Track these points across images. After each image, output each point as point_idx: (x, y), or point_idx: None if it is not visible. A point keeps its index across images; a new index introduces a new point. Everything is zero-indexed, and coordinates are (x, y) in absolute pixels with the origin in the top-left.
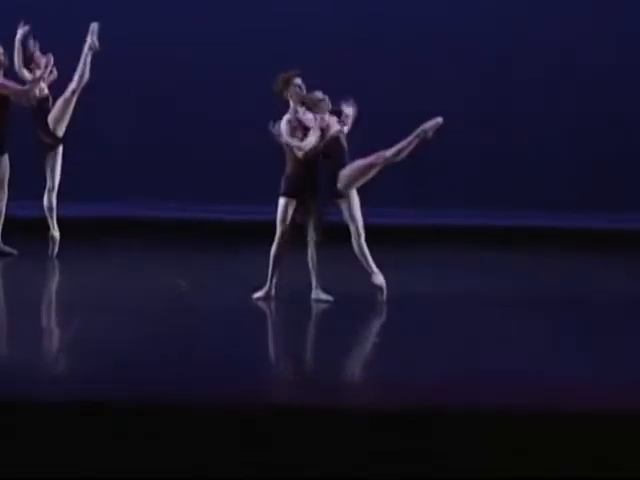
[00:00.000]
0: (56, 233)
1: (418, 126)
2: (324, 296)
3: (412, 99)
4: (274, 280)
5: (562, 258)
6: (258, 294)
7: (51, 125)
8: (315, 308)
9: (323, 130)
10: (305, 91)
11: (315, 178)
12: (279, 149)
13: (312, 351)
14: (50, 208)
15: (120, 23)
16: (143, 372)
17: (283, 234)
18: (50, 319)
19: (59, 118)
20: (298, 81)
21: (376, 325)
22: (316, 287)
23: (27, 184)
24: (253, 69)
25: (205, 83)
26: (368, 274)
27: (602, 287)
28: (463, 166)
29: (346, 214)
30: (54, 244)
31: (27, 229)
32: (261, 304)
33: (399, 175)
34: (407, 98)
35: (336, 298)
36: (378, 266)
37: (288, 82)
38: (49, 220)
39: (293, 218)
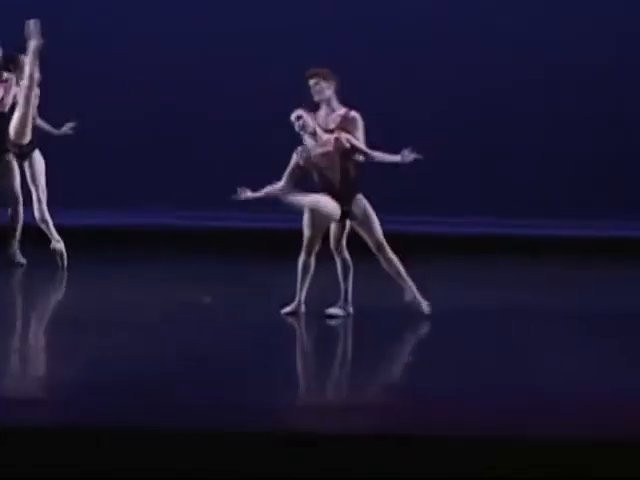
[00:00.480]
0: (59, 244)
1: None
2: (332, 311)
3: (412, 99)
4: (303, 293)
5: (564, 266)
6: (287, 309)
7: (12, 134)
8: (342, 324)
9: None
10: (318, 92)
11: (333, 182)
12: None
13: (329, 373)
14: (43, 220)
15: (121, 23)
16: (146, 396)
17: (310, 240)
18: (55, 337)
19: (20, 125)
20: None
21: (404, 342)
22: (343, 302)
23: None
24: (253, 69)
25: (205, 83)
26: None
27: (606, 296)
28: (462, 167)
29: (360, 231)
30: (61, 256)
31: (33, 236)
32: (289, 319)
33: (396, 178)
34: (407, 98)
35: (368, 312)
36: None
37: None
38: (47, 233)
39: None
